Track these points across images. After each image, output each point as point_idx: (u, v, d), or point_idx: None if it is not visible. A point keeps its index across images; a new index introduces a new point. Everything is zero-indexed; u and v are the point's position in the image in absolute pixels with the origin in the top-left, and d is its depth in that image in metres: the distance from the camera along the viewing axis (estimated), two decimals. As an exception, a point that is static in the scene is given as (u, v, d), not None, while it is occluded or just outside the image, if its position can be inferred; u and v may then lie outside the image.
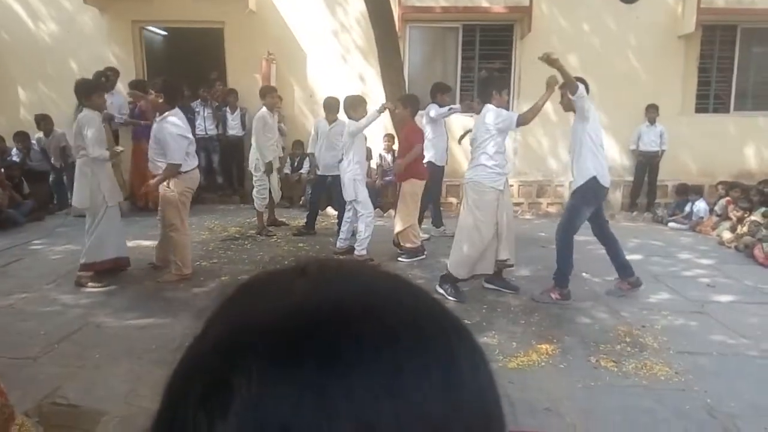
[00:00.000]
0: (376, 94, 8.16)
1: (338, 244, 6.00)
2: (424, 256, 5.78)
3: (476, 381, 0.34)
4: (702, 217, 7.53)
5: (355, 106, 5.68)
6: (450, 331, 0.35)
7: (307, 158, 8.60)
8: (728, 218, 7.05)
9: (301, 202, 8.38)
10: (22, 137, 8.13)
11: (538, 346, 3.72)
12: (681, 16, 8.35)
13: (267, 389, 0.29)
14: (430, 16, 8.45)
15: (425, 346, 0.32)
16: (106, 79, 7.55)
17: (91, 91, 4.84)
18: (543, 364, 3.51)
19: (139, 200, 7.73)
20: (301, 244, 6.36)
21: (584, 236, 6.92)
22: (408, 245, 5.75)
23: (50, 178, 8.27)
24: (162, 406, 0.34)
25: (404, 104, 5.86)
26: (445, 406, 0.31)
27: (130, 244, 6.24)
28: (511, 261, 4.71)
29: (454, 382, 0.32)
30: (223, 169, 8.97)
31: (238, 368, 0.30)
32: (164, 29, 9.90)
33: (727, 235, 6.69)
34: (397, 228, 5.72)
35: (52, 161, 8.16)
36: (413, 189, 5.73)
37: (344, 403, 0.29)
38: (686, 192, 7.95)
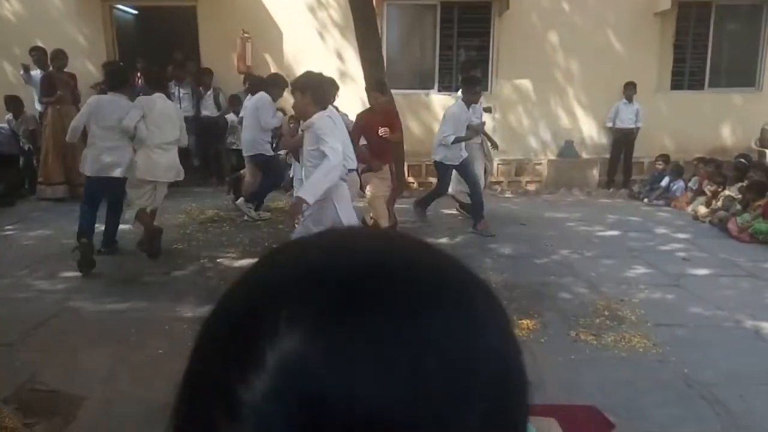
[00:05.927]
0: (354, 73, 8.07)
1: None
2: None
3: (495, 332, 0.35)
4: (677, 195, 7.64)
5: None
6: (470, 284, 0.36)
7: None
8: (703, 193, 7.16)
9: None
10: (-12, 120, 7.87)
11: (519, 321, 3.76)
12: (657, -8, 8.37)
13: (309, 336, 0.30)
14: (407, -7, 8.33)
15: (450, 296, 0.34)
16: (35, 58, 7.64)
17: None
18: (524, 339, 3.55)
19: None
20: (281, 226, 6.29)
21: (563, 213, 7.02)
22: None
23: (20, 162, 8.04)
24: (192, 366, 0.33)
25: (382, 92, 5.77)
26: (467, 353, 0.32)
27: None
28: None
29: (474, 330, 0.33)
30: (199, 151, 8.82)
31: (278, 318, 0.30)
32: (135, 8, 9.61)
33: (702, 210, 6.81)
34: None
35: (21, 144, 7.92)
36: None
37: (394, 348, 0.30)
38: (668, 161, 8.01)
